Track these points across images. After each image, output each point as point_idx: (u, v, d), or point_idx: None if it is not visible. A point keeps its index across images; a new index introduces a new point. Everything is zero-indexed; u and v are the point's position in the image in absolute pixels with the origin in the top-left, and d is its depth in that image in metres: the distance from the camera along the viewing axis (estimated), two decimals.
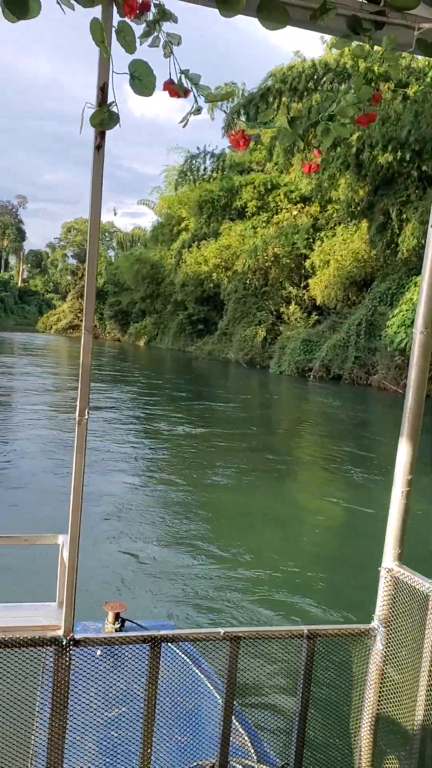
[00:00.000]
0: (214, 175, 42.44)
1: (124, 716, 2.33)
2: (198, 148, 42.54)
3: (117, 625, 3.15)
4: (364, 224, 30.93)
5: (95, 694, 2.14)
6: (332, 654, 2.10)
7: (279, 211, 39.45)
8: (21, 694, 1.84)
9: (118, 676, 2.23)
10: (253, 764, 2.37)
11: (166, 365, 38.33)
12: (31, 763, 2.11)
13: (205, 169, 42.91)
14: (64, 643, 1.78)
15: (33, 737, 2.01)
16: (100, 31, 1.66)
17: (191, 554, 7.44)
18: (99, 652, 2.05)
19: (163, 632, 1.86)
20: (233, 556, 7.43)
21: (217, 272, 41.81)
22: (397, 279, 28.16)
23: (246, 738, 2.48)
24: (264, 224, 39.58)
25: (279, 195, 39.51)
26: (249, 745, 2.43)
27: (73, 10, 1.71)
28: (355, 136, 25.31)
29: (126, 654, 2.24)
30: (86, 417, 1.79)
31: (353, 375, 29.44)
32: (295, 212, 38.15)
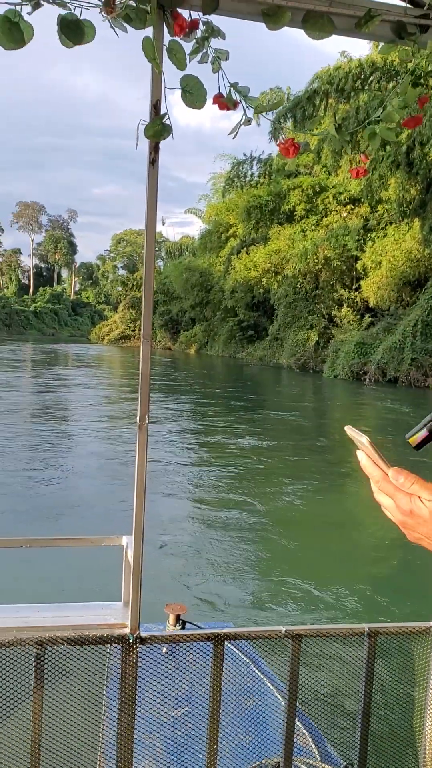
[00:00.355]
0: (262, 180, 42.54)
1: (187, 715, 2.40)
2: (244, 155, 42.76)
3: (178, 627, 3.22)
4: (417, 223, 30.51)
5: (159, 693, 2.22)
6: (394, 652, 2.12)
7: (328, 213, 39.29)
8: (89, 692, 1.92)
9: (181, 676, 2.30)
10: (316, 764, 2.40)
11: (219, 372, 38.43)
12: (100, 761, 2.19)
13: (252, 174, 43.06)
14: (131, 640, 1.86)
15: (101, 736, 2.09)
16: (151, 50, 1.75)
17: (254, 563, 7.49)
18: (165, 650, 2.13)
19: (225, 630, 1.92)
20: (297, 565, 7.44)
21: (266, 277, 41.86)
22: None
23: (308, 737, 2.51)
24: (313, 227, 39.45)
25: (328, 197, 39.34)
26: (312, 744, 2.46)
27: (126, 32, 1.81)
28: (405, 135, 25.03)
29: (188, 654, 2.31)
30: (147, 422, 1.87)
31: (410, 377, 28.96)
32: (344, 214, 37.93)
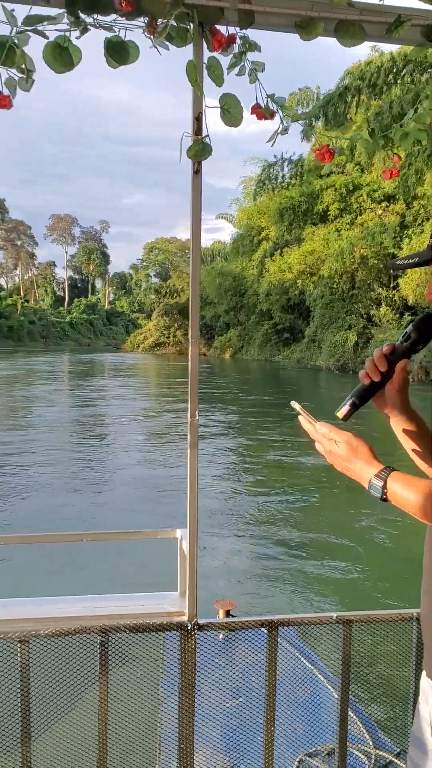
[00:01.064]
0: (293, 181, 42.58)
1: (242, 704, 2.51)
2: (275, 156, 42.85)
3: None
4: None
5: (215, 679, 2.34)
6: None
7: (362, 211, 39.11)
8: (148, 679, 2.05)
9: (236, 663, 2.41)
10: (369, 750, 2.48)
11: (258, 377, 38.35)
12: (159, 748, 2.32)
13: (283, 176, 43.12)
14: (189, 627, 1.98)
15: (159, 719, 2.22)
16: (193, 72, 1.88)
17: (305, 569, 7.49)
18: (221, 636, 2.24)
19: (279, 617, 2.03)
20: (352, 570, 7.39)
21: (301, 279, 41.82)
22: None
23: (360, 725, 2.59)
24: (348, 226, 39.31)
25: (362, 195, 39.19)
26: (364, 731, 2.55)
27: (168, 50, 1.94)
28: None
29: (242, 642, 2.43)
30: (197, 419, 1.99)
31: None
32: (379, 212, 37.73)
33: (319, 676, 2.84)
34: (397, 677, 2.28)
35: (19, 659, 1.89)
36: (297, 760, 2.45)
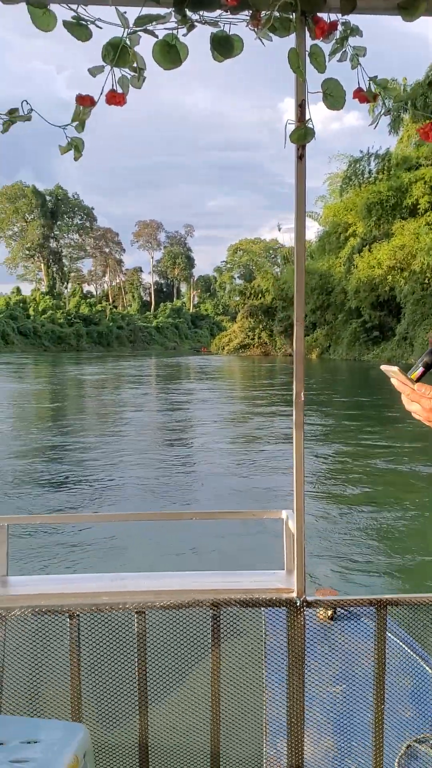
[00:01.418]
0: (380, 176, 41.90)
1: (349, 681, 2.53)
2: (361, 152, 42.28)
3: (329, 612, 3.36)
4: None
5: (321, 657, 2.39)
6: None
7: None
8: (254, 653, 2.12)
9: (344, 642, 2.45)
10: None
11: (348, 377, 37.81)
12: (265, 724, 2.38)
13: (370, 171, 42.51)
14: (297, 603, 2.04)
15: (265, 701, 2.29)
16: (296, 59, 1.94)
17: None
18: (330, 613, 2.29)
19: (387, 596, 2.05)
20: None
21: (392, 275, 41.02)
22: None
23: None
24: None
25: None
26: None
27: (271, 41, 2.01)
28: None
29: (348, 622, 2.46)
30: (302, 399, 2.05)
31: None
32: None
33: (422, 662, 2.84)
34: None
35: (136, 629, 2.00)
36: (405, 745, 2.45)
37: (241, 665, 2.18)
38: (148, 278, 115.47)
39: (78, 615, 1.98)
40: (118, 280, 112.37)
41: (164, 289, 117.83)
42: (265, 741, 2.25)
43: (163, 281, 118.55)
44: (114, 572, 2.28)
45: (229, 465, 13.13)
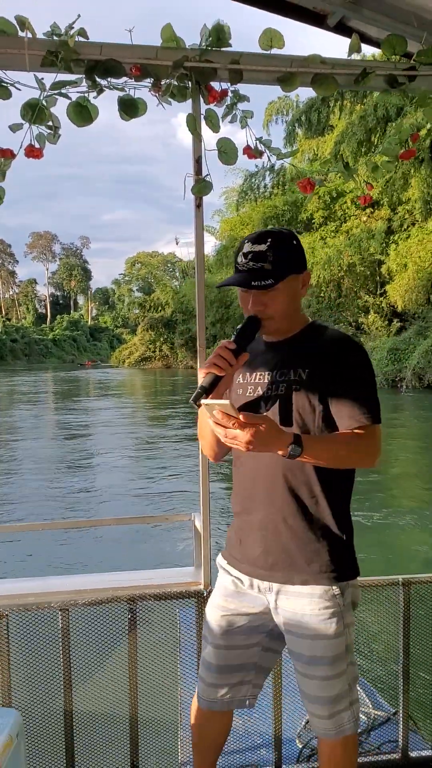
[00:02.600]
0: (275, 190, 43.23)
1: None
2: (256, 166, 43.51)
3: None
4: None
5: None
6: (427, 601, 2.59)
7: (347, 219, 39.80)
8: (167, 641, 2.43)
9: None
10: (368, 711, 2.87)
11: None
12: (180, 709, 2.70)
13: (265, 186, 43.78)
14: (205, 594, 2.37)
15: (180, 676, 2.61)
16: (192, 123, 2.30)
17: None
18: None
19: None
20: None
21: None
22: None
23: (359, 689, 2.97)
24: (333, 234, 39.95)
25: (345, 202, 39.88)
26: (363, 695, 2.93)
27: (171, 105, 2.35)
28: (425, 131, 25.18)
29: None
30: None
31: None
32: (364, 218, 38.41)
33: None
34: (388, 640, 2.67)
35: (60, 624, 2.27)
36: (305, 721, 2.83)
37: (158, 652, 2.49)
38: (44, 290, 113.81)
39: (7, 615, 2.23)
40: (11, 292, 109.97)
41: (61, 301, 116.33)
42: (180, 713, 2.57)
43: (59, 293, 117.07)
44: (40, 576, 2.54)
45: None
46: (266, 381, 1.98)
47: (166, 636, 2.45)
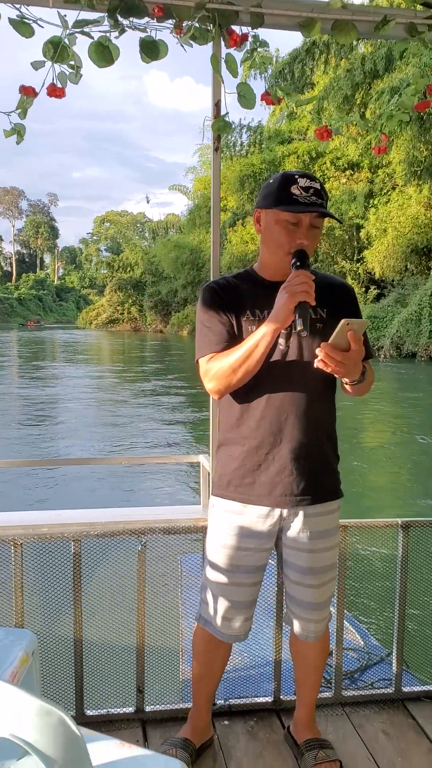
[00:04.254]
0: (252, 149, 42.87)
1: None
2: (233, 122, 43.05)
3: None
4: (424, 187, 30.39)
5: None
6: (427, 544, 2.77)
7: (326, 180, 39.74)
8: (172, 573, 2.60)
9: None
10: (362, 649, 3.08)
11: None
12: (181, 638, 2.88)
13: (242, 144, 43.40)
14: None
15: (180, 606, 2.79)
16: (216, 63, 2.38)
17: None
18: None
19: None
20: None
21: None
22: None
23: (352, 630, 3.19)
24: None
25: (325, 163, 39.79)
26: (358, 637, 3.15)
27: (192, 47, 2.43)
28: (412, 88, 24.76)
29: None
30: None
31: (429, 351, 28.53)
32: (344, 180, 38.39)
33: None
34: (384, 584, 2.85)
35: (72, 551, 2.41)
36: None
37: (163, 584, 2.66)
38: (9, 247, 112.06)
39: (21, 544, 2.36)
40: None
41: (26, 260, 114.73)
42: (181, 640, 2.76)
43: (25, 251, 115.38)
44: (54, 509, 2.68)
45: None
46: None
47: (173, 570, 2.61)
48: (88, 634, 2.47)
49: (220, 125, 2.43)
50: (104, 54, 2.33)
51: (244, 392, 2.12)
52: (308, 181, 2.00)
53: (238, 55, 2.48)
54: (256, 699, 2.70)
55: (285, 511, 2.15)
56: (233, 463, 2.17)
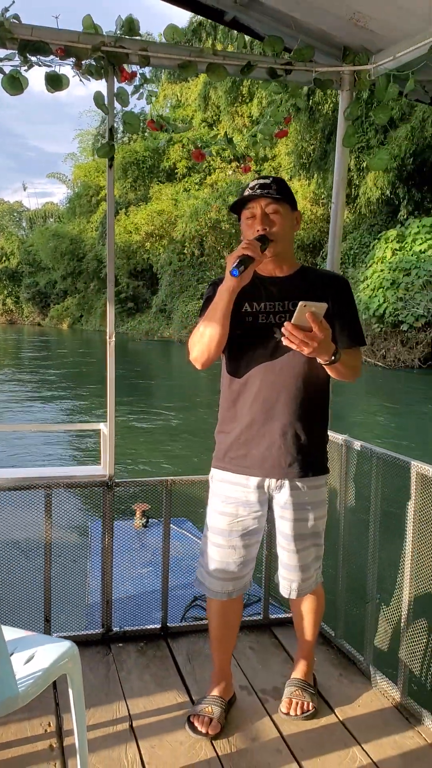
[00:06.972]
0: (135, 136, 42.94)
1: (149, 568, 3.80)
2: (115, 109, 43.20)
3: (144, 521, 4.91)
4: (312, 181, 31.00)
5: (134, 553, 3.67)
6: None
7: (212, 171, 40.50)
8: (80, 525, 3.26)
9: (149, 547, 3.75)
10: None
11: (103, 350, 37.74)
12: (87, 589, 3.56)
13: (123, 131, 43.61)
14: (109, 483, 3.19)
15: (89, 550, 3.46)
16: (101, 98, 3.04)
17: None
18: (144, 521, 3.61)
19: (171, 477, 3.29)
20: None
21: (150, 241, 41.96)
22: (358, 237, 28.20)
23: None
24: (197, 186, 40.41)
25: (211, 154, 40.58)
26: None
27: (90, 81, 3.08)
28: (272, 120, 24.79)
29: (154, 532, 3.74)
30: (113, 339, 3.18)
31: None
32: (230, 172, 39.20)
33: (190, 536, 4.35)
34: None
35: None
36: (192, 597, 3.79)
37: (69, 530, 3.31)
38: None
39: None
40: None
41: None
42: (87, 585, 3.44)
43: None
44: None
45: None
46: (277, 309, 2.53)
47: (77, 519, 3.28)
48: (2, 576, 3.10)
49: (105, 151, 3.10)
50: (14, 84, 2.94)
51: (241, 375, 2.56)
52: (259, 180, 2.53)
53: (129, 88, 3.15)
54: (146, 626, 3.41)
55: (273, 482, 2.56)
56: (229, 438, 2.61)
